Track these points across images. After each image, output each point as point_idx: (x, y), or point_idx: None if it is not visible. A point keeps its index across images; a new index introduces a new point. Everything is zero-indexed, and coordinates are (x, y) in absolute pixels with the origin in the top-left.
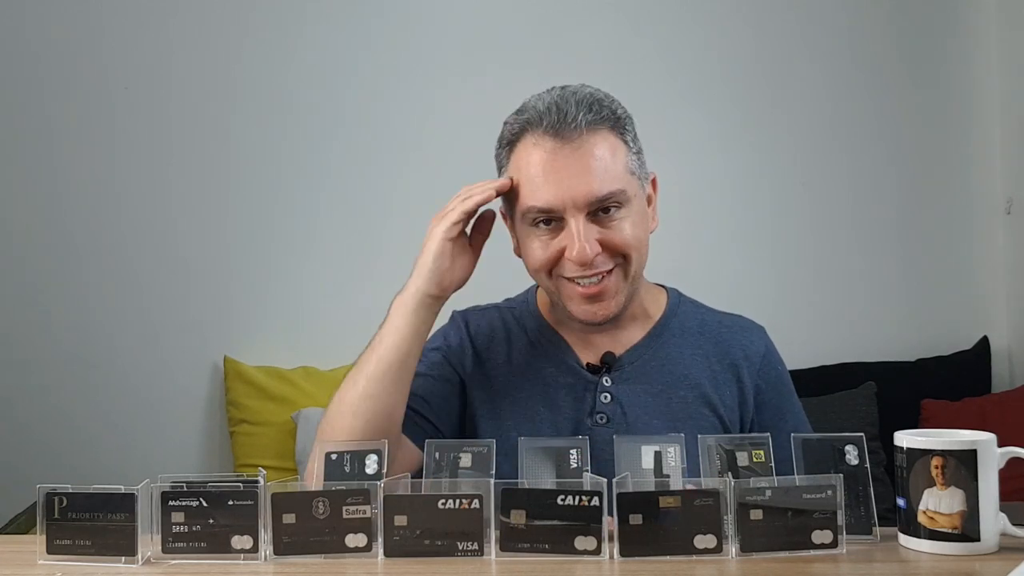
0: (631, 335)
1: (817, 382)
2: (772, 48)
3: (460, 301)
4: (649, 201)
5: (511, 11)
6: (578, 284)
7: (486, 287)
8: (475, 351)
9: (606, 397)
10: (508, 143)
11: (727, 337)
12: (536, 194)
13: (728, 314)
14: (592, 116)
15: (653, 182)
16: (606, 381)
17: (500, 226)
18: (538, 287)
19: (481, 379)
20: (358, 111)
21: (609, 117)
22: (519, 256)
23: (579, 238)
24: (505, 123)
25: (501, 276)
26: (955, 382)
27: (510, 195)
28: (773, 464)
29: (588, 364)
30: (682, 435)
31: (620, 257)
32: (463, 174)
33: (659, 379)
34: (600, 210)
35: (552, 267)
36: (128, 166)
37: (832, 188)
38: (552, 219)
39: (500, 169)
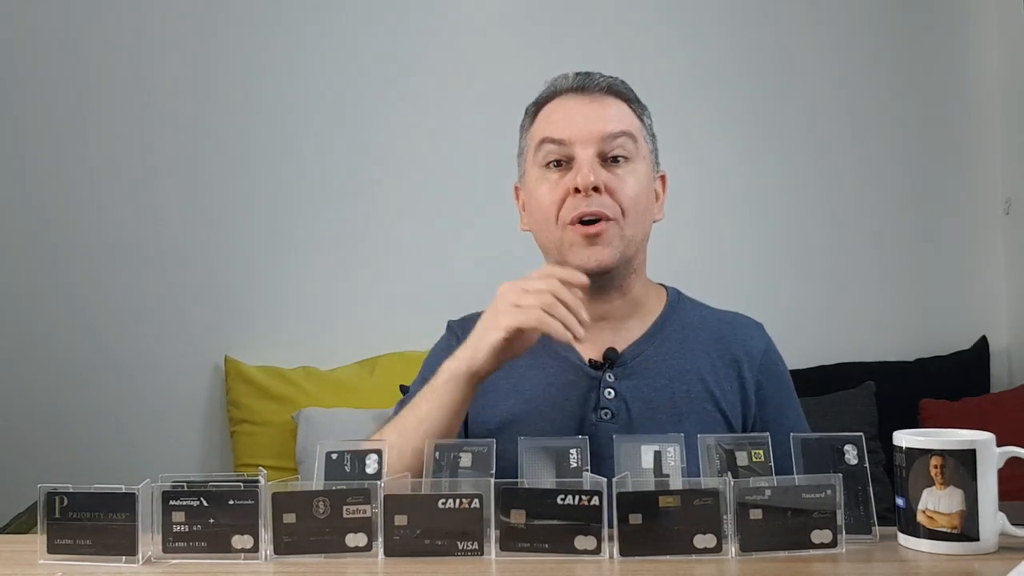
0: (632, 331)
1: (817, 382)
2: (772, 49)
3: (459, 303)
4: (657, 196)
5: (513, 8)
6: (582, 224)
7: (486, 290)
8: None
9: (610, 393)
10: (535, 106)
11: (727, 334)
12: (551, 126)
13: (727, 311)
14: (615, 83)
15: (662, 179)
16: (609, 377)
17: (508, 222)
18: None
19: (483, 385)
20: (359, 112)
21: (630, 93)
22: (526, 229)
23: (584, 165)
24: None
25: (501, 281)
26: (954, 382)
27: (523, 152)
28: (773, 464)
29: (591, 360)
30: (681, 435)
31: (619, 210)
32: (463, 175)
33: (662, 374)
34: (610, 158)
35: (559, 210)
36: (127, 166)
37: (832, 188)
38: (562, 160)
39: (522, 136)
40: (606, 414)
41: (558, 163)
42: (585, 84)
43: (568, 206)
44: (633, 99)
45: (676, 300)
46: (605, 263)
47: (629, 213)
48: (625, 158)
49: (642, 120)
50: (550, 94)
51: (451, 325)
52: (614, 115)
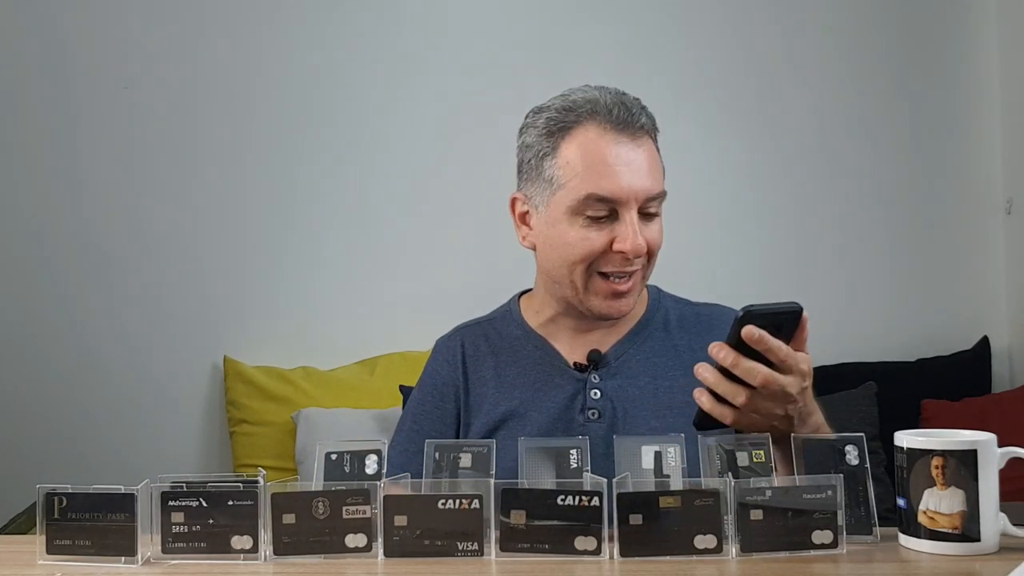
0: (615, 332)
1: (817, 382)
2: (775, 49)
3: (458, 303)
4: None
5: (515, 6)
6: (613, 281)
7: (486, 291)
8: (463, 373)
9: (596, 393)
10: (560, 129)
11: (707, 325)
12: (602, 182)
13: (706, 304)
14: (647, 121)
15: None
16: (594, 378)
17: (507, 223)
18: (520, 297)
19: (471, 397)
20: (360, 113)
21: (654, 126)
22: (528, 247)
23: (637, 232)
24: (544, 113)
25: (501, 281)
26: (955, 382)
27: (547, 181)
28: (773, 464)
29: (575, 363)
30: (682, 435)
31: (647, 258)
32: (464, 178)
33: (645, 372)
34: (646, 210)
35: (593, 260)
36: (127, 166)
37: (832, 188)
38: (604, 210)
39: (543, 157)
40: (593, 414)
41: (597, 213)
42: (627, 121)
43: (607, 261)
44: (654, 129)
45: (657, 298)
46: (627, 311)
47: (653, 257)
48: (657, 209)
49: (658, 149)
50: (581, 118)
51: (438, 345)
52: (653, 166)
